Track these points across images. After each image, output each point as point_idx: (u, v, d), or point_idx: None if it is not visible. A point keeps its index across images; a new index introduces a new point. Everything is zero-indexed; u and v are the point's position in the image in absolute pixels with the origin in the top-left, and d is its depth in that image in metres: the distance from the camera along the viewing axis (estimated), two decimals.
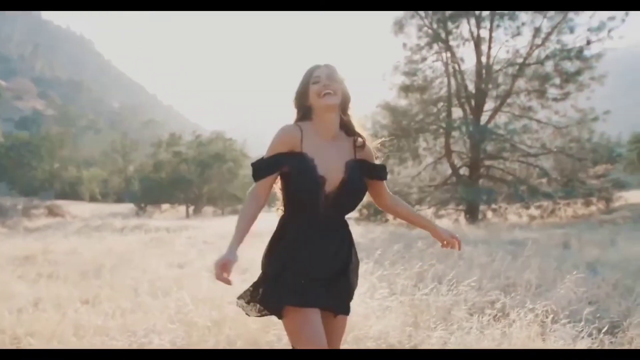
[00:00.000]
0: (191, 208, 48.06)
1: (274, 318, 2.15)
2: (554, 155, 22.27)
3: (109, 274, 6.23)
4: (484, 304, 4.01)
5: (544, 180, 21.73)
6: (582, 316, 3.31)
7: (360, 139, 2.22)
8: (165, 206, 48.66)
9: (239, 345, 3.25)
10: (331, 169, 2.11)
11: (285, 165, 2.11)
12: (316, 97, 2.13)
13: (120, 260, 7.93)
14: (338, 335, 2.18)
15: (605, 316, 3.62)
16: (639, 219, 15.55)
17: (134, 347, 3.17)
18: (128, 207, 52.37)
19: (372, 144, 2.29)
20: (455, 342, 3.06)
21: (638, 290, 4.41)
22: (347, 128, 2.22)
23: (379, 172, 2.26)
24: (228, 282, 1.99)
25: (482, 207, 21.34)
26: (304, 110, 2.21)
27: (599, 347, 3.01)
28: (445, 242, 2.33)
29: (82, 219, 29.74)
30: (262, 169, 2.14)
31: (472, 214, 20.27)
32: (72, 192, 67.40)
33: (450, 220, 21.22)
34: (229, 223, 22.24)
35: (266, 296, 2.14)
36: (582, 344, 2.96)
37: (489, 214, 21.31)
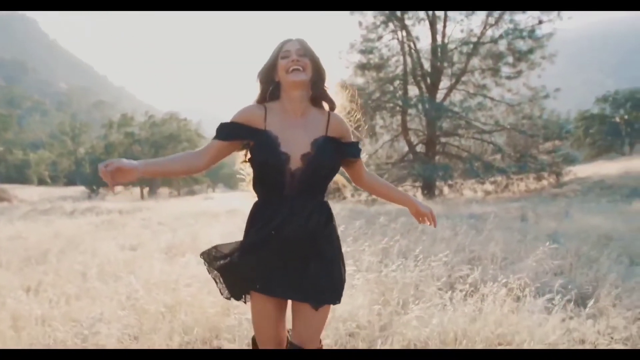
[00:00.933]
0: (146, 190, 47.00)
1: (234, 301, 1.95)
2: (507, 131, 22.73)
3: (55, 259, 5.86)
4: (454, 279, 3.93)
5: (498, 156, 22.19)
6: (553, 288, 3.26)
7: (330, 112, 2.10)
8: (118, 188, 47.38)
9: (196, 332, 3.03)
10: (297, 146, 1.98)
11: (244, 139, 2.02)
12: (284, 72, 2.01)
13: (68, 244, 7.51)
14: (310, 325, 1.98)
15: (573, 287, 3.59)
16: (588, 191, 16.03)
17: (79, 337, 2.91)
18: (79, 189, 50.77)
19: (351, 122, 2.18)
20: (428, 321, 2.93)
21: (601, 259, 4.44)
22: (318, 104, 2.10)
23: (351, 150, 2.11)
24: (109, 179, 1.86)
25: (438, 184, 21.63)
26: (272, 86, 2.08)
27: (573, 318, 2.98)
28: (422, 219, 2.23)
29: (30, 202, 28.49)
30: (218, 131, 2.03)
31: (429, 190, 20.52)
32: (19, 176, 64.87)
33: None
34: (185, 204, 21.75)
35: (227, 279, 2.10)
36: (557, 318, 2.89)
37: (445, 190, 21.64)
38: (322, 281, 1.96)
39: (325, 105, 2.12)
